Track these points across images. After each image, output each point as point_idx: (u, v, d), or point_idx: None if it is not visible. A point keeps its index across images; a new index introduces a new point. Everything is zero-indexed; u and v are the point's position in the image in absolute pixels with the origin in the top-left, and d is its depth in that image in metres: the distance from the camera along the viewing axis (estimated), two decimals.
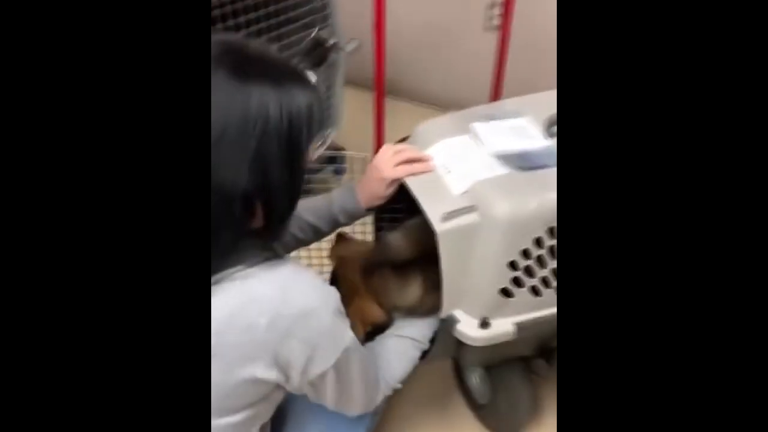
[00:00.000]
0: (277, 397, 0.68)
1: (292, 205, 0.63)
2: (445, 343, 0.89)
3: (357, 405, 0.74)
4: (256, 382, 0.61)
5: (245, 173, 0.54)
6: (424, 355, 0.90)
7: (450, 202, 0.78)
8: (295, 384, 0.64)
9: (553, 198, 0.75)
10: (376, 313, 0.87)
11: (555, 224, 0.76)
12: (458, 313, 0.84)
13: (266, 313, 0.58)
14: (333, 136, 1.54)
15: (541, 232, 0.77)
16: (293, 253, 0.99)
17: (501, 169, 0.81)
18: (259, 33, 1.21)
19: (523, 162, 0.82)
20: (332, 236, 0.97)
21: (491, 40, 1.64)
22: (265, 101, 0.53)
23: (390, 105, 1.55)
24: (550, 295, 0.83)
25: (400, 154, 0.84)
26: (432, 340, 0.89)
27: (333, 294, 0.64)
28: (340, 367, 0.65)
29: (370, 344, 0.85)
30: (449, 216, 0.76)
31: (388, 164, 0.84)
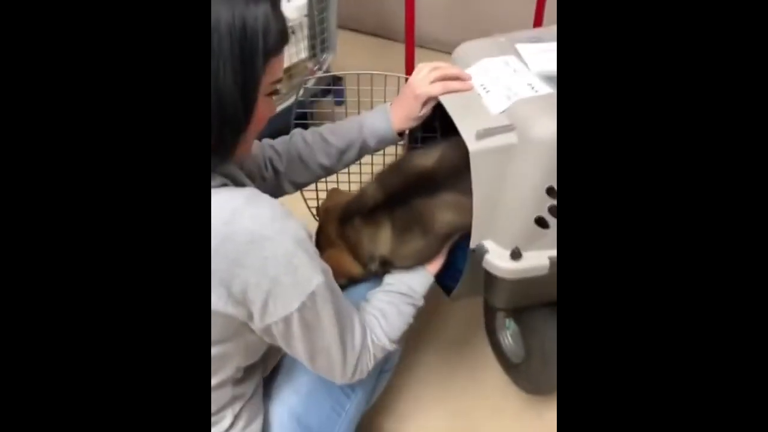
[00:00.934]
0: (249, 340, 0.64)
1: (244, 116, 0.59)
2: (472, 279, 0.85)
3: (337, 366, 0.68)
4: (217, 314, 0.57)
5: None
6: (448, 292, 0.86)
7: (486, 121, 0.73)
8: (258, 324, 0.60)
9: None
10: (348, 266, 0.81)
11: None
12: (488, 243, 0.79)
13: (214, 237, 0.54)
14: (330, 62, 1.54)
15: None
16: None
17: (545, 89, 0.75)
18: None
19: None
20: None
21: None
22: (217, 7, 0.53)
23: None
24: None
25: (437, 70, 0.79)
26: (455, 279, 0.85)
27: (294, 225, 0.59)
28: (306, 315, 0.60)
29: (354, 302, 0.77)
30: (484, 134, 0.71)
31: (423, 81, 0.79)
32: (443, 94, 0.79)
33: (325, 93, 1.58)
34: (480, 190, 0.74)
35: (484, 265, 0.79)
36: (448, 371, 1.18)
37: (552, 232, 0.76)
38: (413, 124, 0.83)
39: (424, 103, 0.80)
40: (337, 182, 1.05)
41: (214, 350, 0.62)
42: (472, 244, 0.80)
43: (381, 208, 0.79)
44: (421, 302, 0.79)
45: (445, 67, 0.81)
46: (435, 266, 0.81)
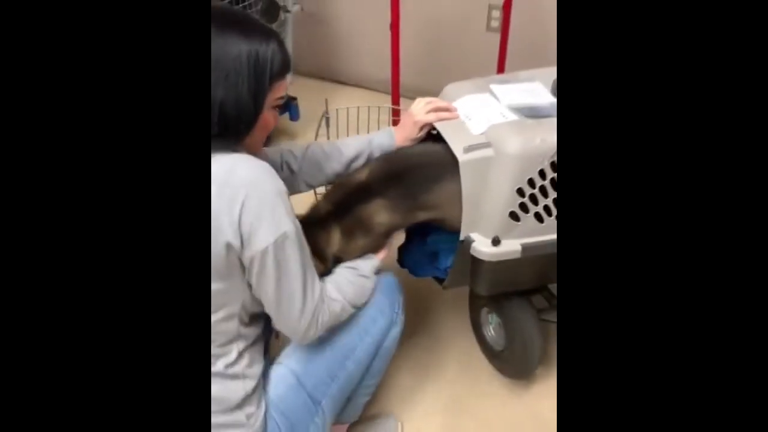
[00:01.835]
0: (241, 290, 0.80)
1: (252, 118, 0.81)
2: (459, 269, 1.07)
3: (296, 314, 0.82)
4: (219, 248, 0.74)
5: (221, 87, 0.76)
6: (440, 282, 1.08)
7: (470, 140, 0.97)
8: (246, 254, 0.75)
9: (554, 138, 0.93)
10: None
11: (555, 159, 0.95)
12: (474, 235, 1.02)
13: (214, 183, 0.74)
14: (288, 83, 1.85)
15: (544, 165, 0.95)
16: None
17: (513, 117, 1.00)
18: None
19: (531, 112, 1.01)
20: None
21: (494, 40, 1.80)
22: (239, 45, 0.77)
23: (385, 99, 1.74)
24: (551, 222, 1.00)
25: (431, 103, 1.04)
26: (445, 270, 1.07)
27: (277, 181, 0.78)
28: (278, 252, 0.76)
29: None
30: (469, 148, 0.95)
31: (421, 111, 1.04)
32: (436, 121, 1.03)
33: (282, 110, 1.87)
34: (467, 191, 0.97)
35: (472, 251, 1.01)
36: (438, 362, 1.37)
37: (522, 224, 0.99)
38: (411, 143, 1.07)
39: (421, 128, 1.05)
40: None
41: (219, 285, 0.77)
42: (462, 236, 1.02)
43: (331, 217, 0.98)
44: (369, 275, 0.97)
45: (436, 101, 1.06)
46: (380, 255, 1.02)
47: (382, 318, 0.98)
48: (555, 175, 0.96)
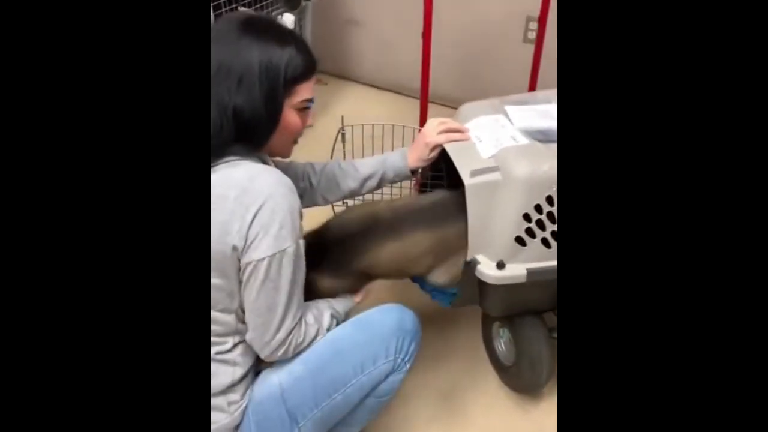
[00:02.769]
0: (238, 289, 0.82)
1: (269, 123, 0.85)
2: (468, 289, 1.07)
3: (272, 328, 0.83)
4: (223, 247, 0.78)
5: (235, 93, 0.80)
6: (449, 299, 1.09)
7: (479, 163, 0.97)
8: (243, 260, 0.79)
9: None
10: None
11: None
12: (480, 257, 1.02)
13: (235, 188, 0.78)
14: None
15: (552, 192, 0.94)
16: None
17: (523, 141, 1.00)
18: None
19: (542, 136, 1.00)
20: None
21: (530, 52, 1.78)
22: (251, 51, 0.81)
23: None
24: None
25: (443, 124, 1.05)
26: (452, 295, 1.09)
27: (293, 198, 0.81)
28: (273, 265, 0.79)
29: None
30: (476, 172, 0.95)
31: (433, 132, 1.05)
32: (447, 142, 1.04)
33: None
34: (473, 214, 0.97)
35: (477, 273, 1.02)
36: (448, 373, 1.37)
37: (529, 249, 0.99)
38: (424, 164, 1.08)
39: (432, 149, 1.06)
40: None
41: (220, 281, 0.81)
42: (468, 257, 1.03)
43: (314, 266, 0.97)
44: (340, 315, 0.98)
45: (449, 122, 1.06)
46: (358, 296, 1.04)
47: (385, 361, 0.90)
48: None
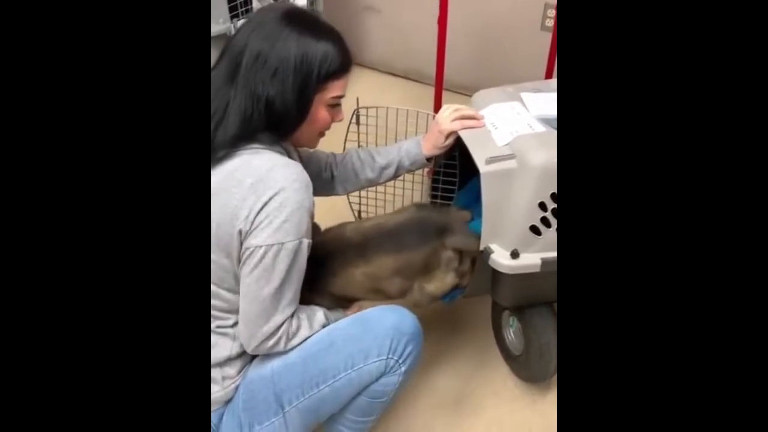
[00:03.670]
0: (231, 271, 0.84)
1: (297, 116, 0.86)
2: (480, 278, 1.06)
3: (261, 320, 0.83)
4: (231, 229, 0.80)
5: (269, 84, 0.82)
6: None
7: (494, 151, 0.96)
8: (244, 243, 0.80)
9: None
10: None
11: None
12: (493, 246, 1.01)
13: (252, 176, 0.80)
14: None
15: None
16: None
17: (539, 128, 0.98)
18: None
19: None
20: None
21: (548, 40, 1.74)
22: (288, 45, 0.82)
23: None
24: None
25: (458, 111, 1.03)
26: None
27: (307, 196, 0.81)
28: (268, 255, 0.79)
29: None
30: (492, 160, 0.94)
31: (447, 119, 1.03)
32: (462, 129, 1.02)
33: None
34: (487, 203, 0.96)
35: (490, 263, 1.01)
36: (457, 359, 1.37)
37: (543, 238, 0.98)
38: (438, 152, 1.07)
39: (447, 136, 1.04)
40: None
41: (225, 261, 0.82)
42: (482, 246, 1.02)
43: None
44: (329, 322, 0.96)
45: (463, 109, 1.05)
46: (351, 311, 1.02)
47: (377, 359, 0.86)
48: None
